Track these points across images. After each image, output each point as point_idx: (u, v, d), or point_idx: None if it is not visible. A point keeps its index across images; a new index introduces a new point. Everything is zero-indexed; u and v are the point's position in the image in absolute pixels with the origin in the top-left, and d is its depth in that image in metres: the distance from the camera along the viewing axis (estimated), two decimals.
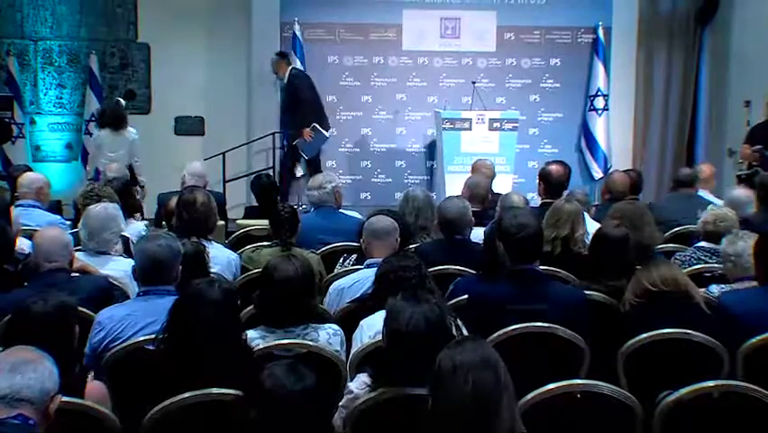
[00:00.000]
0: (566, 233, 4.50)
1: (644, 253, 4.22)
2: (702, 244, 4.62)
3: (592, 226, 4.76)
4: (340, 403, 2.73)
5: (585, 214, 5.10)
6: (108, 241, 4.20)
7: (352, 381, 2.84)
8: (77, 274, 3.82)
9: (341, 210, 5.62)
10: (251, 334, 3.12)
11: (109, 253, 4.23)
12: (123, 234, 4.88)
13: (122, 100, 8.41)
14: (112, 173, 6.63)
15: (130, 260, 4.08)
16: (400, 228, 4.22)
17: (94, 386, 2.82)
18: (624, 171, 6.82)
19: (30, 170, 6.51)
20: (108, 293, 3.73)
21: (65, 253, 3.75)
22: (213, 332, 2.81)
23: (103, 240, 4.18)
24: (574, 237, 4.53)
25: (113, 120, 7.80)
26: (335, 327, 3.30)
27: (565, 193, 5.77)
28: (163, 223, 5.27)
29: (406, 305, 2.67)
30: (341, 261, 4.59)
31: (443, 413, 2.20)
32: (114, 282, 3.90)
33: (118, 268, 4.06)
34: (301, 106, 8.61)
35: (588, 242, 4.44)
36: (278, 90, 9.43)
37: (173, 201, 4.95)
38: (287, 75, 8.70)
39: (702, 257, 4.51)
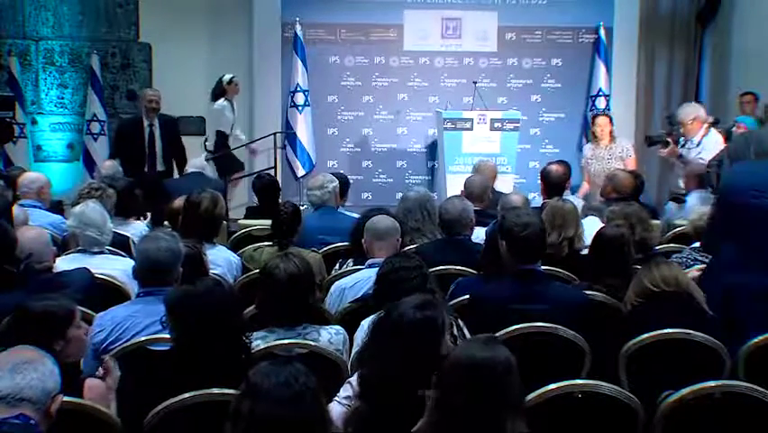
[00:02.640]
0: (572, 233, 4.50)
1: (644, 253, 4.22)
2: (697, 244, 4.61)
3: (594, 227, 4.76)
4: (339, 395, 2.72)
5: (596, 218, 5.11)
6: (95, 239, 4.19)
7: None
8: (59, 271, 3.83)
9: (340, 210, 5.63)
10: (252, 335, 3.12)
11: (105, 253, 4.23)
12: (124, 233, 4.89)
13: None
14: (106, 171, 6.65)
15: (128, 259, 4.08)
16: None
17: (92, 384, 2.82)
18: (626, 171, 6.83)
19: (26, 171, 6.52)
20: (93, 282, 3.77)
21: (50, 251, 3.79)
22: (214, 333, 2.81)
23: (88, 238, 4.17)
24: (577, 235, 4.54)
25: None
26: (338, 327, 3.30)
27: (567, 193, 5.77)
28: (165, 222, 5.26)
29: (399, 305, 2.66)
30: (336, 266, 4.57)
31: (451, 412, 2.20)
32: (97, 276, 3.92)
33: (116, 267, 4.06)
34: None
35: (585, 239, 4.47)
36: (280, 90, 9.43)
37: (177, 201, 4.95)
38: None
39: (699, 258, 4.51)
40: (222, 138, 8.75)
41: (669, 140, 7.16)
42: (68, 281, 3.67)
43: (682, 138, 7.01)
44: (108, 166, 6.88)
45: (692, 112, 6.98)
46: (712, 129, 7.06)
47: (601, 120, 7.95)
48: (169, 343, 2.97)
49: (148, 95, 8.20)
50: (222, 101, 8.70)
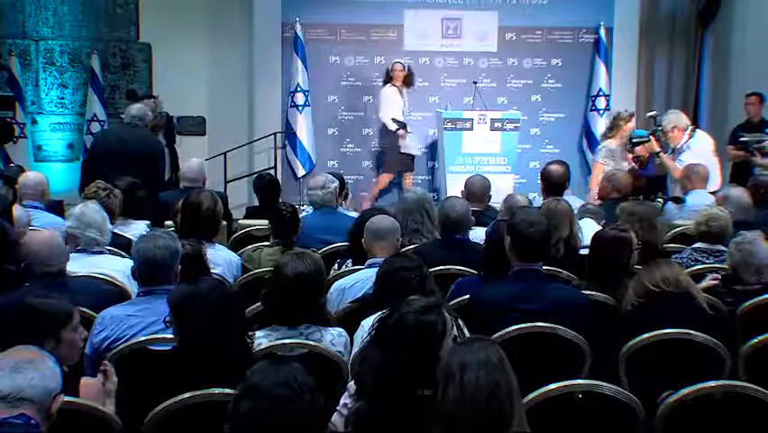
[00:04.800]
0: (567, 233, 4.50)
1: (653, 254, 4.21)
2: (699, 244, 4.61)
3: (589, 229, 4.76)
4: (340, 404, 2.73)
5: (592, 221, 5.11)
6: (96, 240, 4.18)
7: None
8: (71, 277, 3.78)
9: (340, 210, 5.64)
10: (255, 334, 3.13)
11: (104, 252, 4.23)
12: (126, 235, 4.89)
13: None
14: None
15: (127, 260, 4.08)
16: None
17: (87, 382, 2.81)
18: (627, 171, 6.85)
19: (23, 170, 6.50)
20: (102, 293, 3.71)
21: (60, 254, 3.69)
22: (214, 333, 2.82)
23: (88, 239, 4.16)
24: (573, 236, 4.53)
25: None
26: (340, 329, 3.30)
27: (566, 193, 5.77)
28: (167, 223, 5.26)
29: (400, 308, 2.66)
30: (335, 266, 4.57)
31: (450, 412, 2.20)
32: (114, 281, 3.90)
33: (115, 268, 4.06)
34: None
35: (582, 240, 4.46)
36: (280, 90, 9.43)
37: (181, 201, 4.96)
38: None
39: (699, 258, 4.51)
40: (399, 126, 8.80)
41: (651, 138, 7.20)
42: (76, 288, 3.62)
43: (665, 144, 7.11)
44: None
45: (673, 120, 7.07)
46: (698, 131, 7.12)
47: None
48: (172, 342, 2.97)
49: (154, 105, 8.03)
50: (388, 86, 8.80)
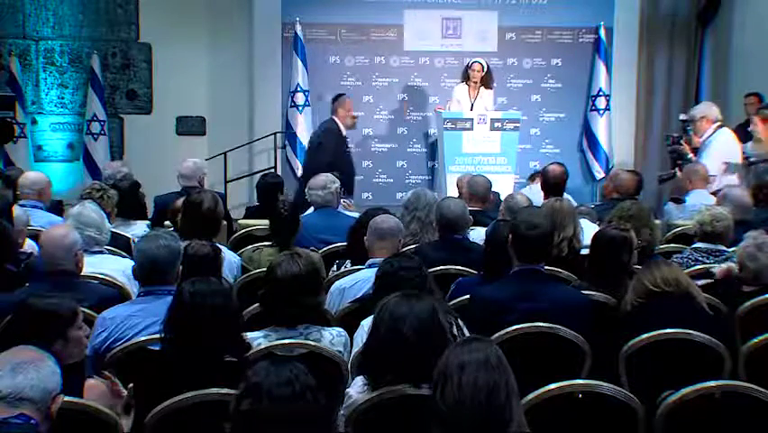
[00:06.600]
0: (571, 233, 4.50)
1: (645, 252, 4.22)
2: (699, 245, 4.58)
3: (586, 229, 4.77)
4: (341, 410, 2.73)
5: (587, 221, 5.12)
6: (95, 239, 4.18)
7: (350, 385, 2.83)
8: (87, 279, 3.76)
9: (340, 210, 5.64)
10: (254, 334, 3.13)
11: (104, 252, 4.23)
12: (125, 234, 4.90)
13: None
14: (111, 170, 6.64)
15: (127, 260, 4.08)
16: None
17: (92, 384, 2.82)
18: (628, 171, 6.86)
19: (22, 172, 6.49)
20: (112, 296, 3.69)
21: (69, 256, 3.62)
22: (212, 332, 2.82)
23: (87, 238, 4.15)
24: (576, 236, 4.53)
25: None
26: (340, 329, 3.30)
27: (565, 195, 5.78)
28: (166, 223, 5.26)
29: (386, 303, 2.67)
30: (334, 267, 4.57)
31: (449, 412, 2.20)
32: (114, 281, 3.89)
33: (115, 267, 4.06)
34: None
35: (583, 240, 4.47)
36: (280, 90, 9.42)
37: (178, 201, 4.96)
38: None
39: (700, 258, 4.50)
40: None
41: (683, 144, 7.15)
42: (89, 288, 3.62)
43: (694, 137, 7.05)
44: (114, 166, 6.85)
45: (703, 111, 7.01)
46: (723, 128, 7.05)
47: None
48: (166, 341, 2.96)
49: (351, 105, 7.93)
50: (461, 84, 8.45)
